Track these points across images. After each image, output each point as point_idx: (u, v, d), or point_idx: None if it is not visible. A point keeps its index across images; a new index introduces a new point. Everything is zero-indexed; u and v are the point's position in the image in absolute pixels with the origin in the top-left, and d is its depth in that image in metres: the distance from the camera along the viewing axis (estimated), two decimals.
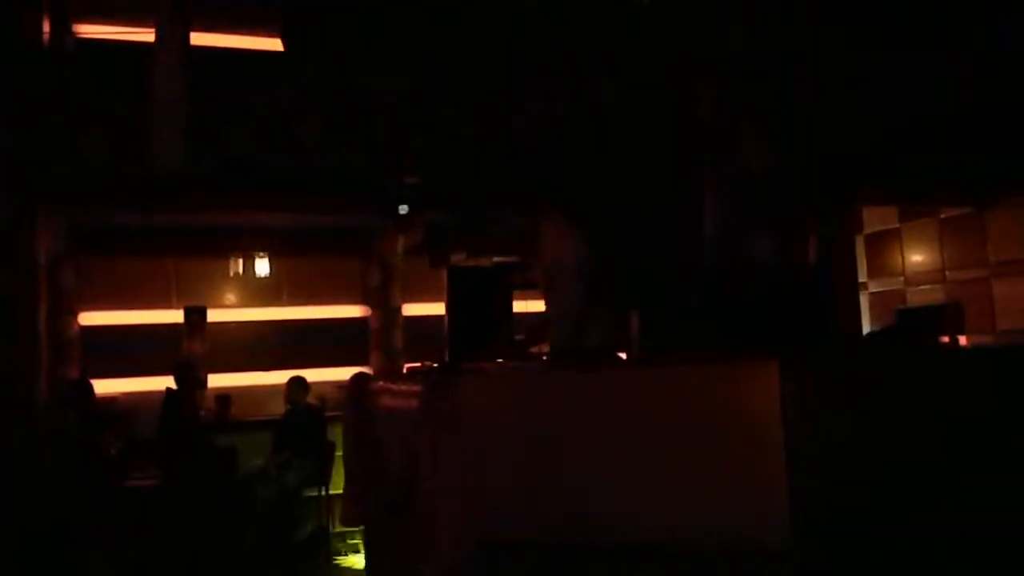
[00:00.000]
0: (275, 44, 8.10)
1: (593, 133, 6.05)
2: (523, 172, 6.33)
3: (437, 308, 9.27)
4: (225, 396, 8.80)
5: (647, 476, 2.63)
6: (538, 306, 5.24)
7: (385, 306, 10.00)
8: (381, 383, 4.31)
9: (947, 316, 7.87)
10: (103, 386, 8.73)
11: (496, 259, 8.43)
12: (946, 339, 7.27)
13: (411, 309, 10.12)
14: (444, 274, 8.02)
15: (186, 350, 8.75)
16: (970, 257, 8.06)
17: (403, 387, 3.64)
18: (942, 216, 8.36)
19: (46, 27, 7.15)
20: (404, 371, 7.84)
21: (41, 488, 6.65)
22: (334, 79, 6.94)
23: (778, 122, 4.79)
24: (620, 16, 5.50)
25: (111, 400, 8.58)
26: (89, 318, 8.94)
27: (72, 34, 7.73)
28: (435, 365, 4.52)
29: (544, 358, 4.45)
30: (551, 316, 4.11)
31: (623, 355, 4.03)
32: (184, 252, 9.34)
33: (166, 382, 7.93)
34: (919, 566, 2.56)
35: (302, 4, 7.76)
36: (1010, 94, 6.26)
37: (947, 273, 8.35)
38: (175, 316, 9.06)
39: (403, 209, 7.95)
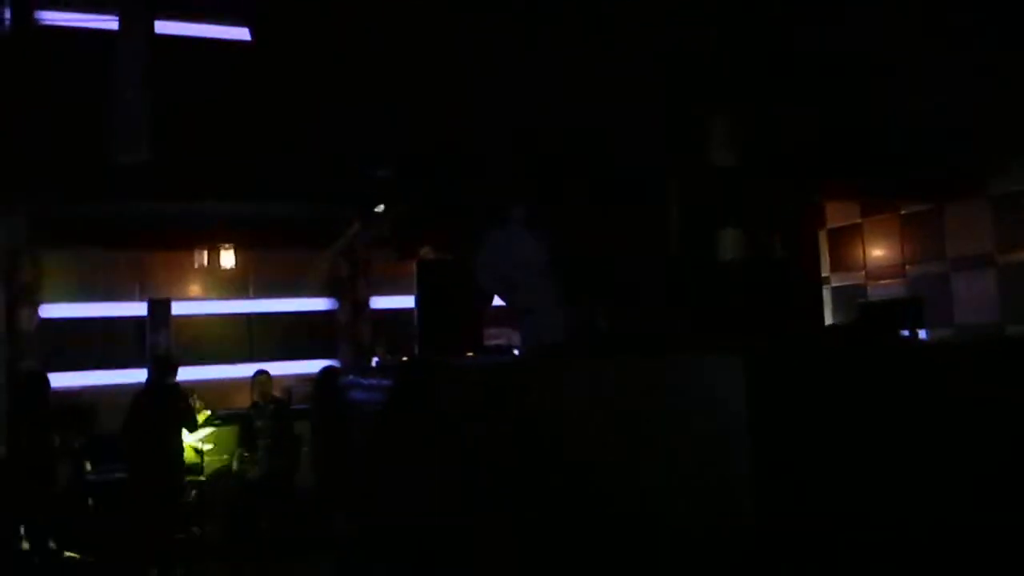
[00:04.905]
0: (243, 33, 8.00)
1: (554, 134, 6.07)
2: (489, 170, 6.35)
3: (405, 301, 9.27)
4: (188, 390, 8.70)
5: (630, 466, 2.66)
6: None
7: (353, 299, 9.96)
8: (351, 377, 4.31)
9: (907, 310, 8.02)
10: (65, 380, 8.60)
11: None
12: (906, 332, 7.42)
13: (379, 302, 10.08)
14: (413, 267, 8.04)
15: (151, 343, 8.62)
16: (929, 252, 8.21)
17: (374, 381, 3.64)
18: (902, 212, 8.50)
19: (7, 14, 7.00)
20: (373, 364, 7.82)
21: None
22: (304, 69, 6.88)
23: (745, 120, 4.85)
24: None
25: (74, 394, 8.45)
26: (50, 310, 8.79)
27: (34, 21, 7.57)
28: (405, 359, 4.52)
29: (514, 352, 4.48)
30: (516, 313, 4.13)
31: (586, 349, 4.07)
32: (148, 244, 9.20)
33: (129, 375, 7.82)
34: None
35: None
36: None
37: (907, 267, 8.50)
38: (139, 309, 8.94)
39: (380, 208, 7.94)
